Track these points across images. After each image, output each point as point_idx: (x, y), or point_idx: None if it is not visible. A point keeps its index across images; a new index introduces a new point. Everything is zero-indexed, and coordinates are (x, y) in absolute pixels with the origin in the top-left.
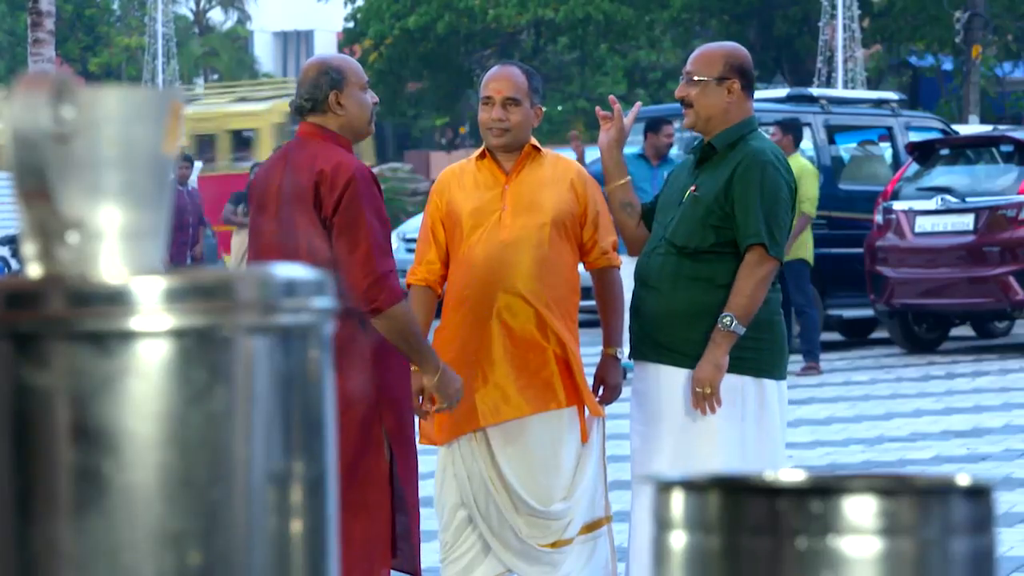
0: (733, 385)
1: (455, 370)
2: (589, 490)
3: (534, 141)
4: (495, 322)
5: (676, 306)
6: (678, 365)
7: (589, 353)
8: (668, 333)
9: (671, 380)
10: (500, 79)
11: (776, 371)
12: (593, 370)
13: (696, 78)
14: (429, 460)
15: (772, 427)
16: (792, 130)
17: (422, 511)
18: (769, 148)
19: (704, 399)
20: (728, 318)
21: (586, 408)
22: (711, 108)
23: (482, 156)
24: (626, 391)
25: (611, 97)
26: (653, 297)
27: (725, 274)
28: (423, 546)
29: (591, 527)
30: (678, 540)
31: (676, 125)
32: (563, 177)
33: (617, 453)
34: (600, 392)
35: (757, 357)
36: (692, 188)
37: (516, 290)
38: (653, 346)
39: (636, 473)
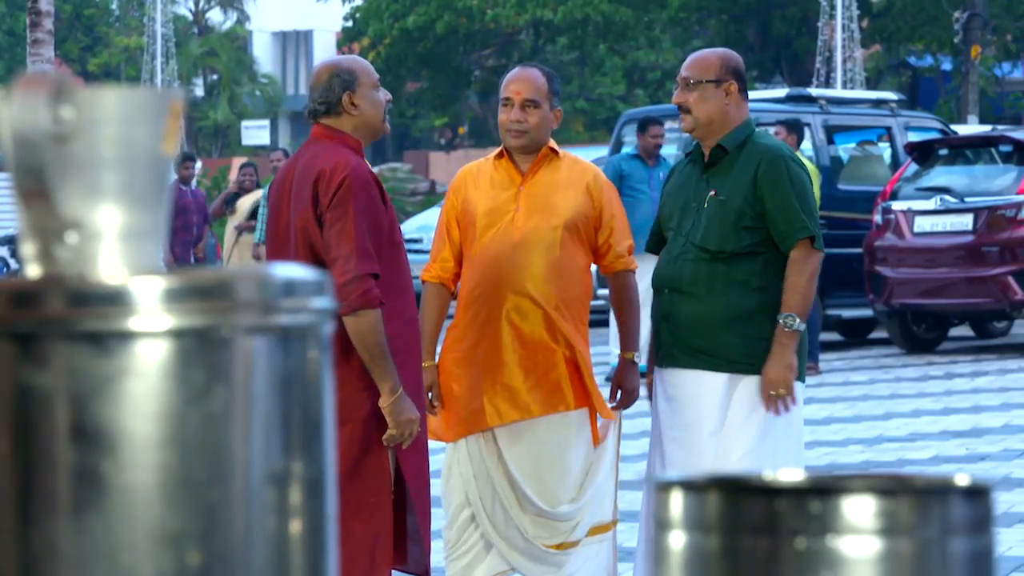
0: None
1: (464, 369)
2: (600, 493)
3: (552, 143)
4: (504, 323)
5: (714, 311)
6: (716, 370)
7: (596, 353)
8: (706, 338)
9: (710, 385)
10: (520, 81)
11: (802, 372)
12: (601, 371)
13: (693, 81)
14: (437, 459)
15: (798, 427)
16: (797, 129)
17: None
18: (780, 144)
19: (778, 399)
20: (790, 318)
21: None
22: (711, 111)
23: (500, 156)
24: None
25: None
26: (688, 303)
27: (758, 276)
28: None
29: (598, 529)
30: (677, 540)
31: (668, 125)
32: (579, 180)
33: (622, 453)
34: (618, 396)
35: None
36: (712, 192)
37: (526, 291)
38: (688, 351)
39: None
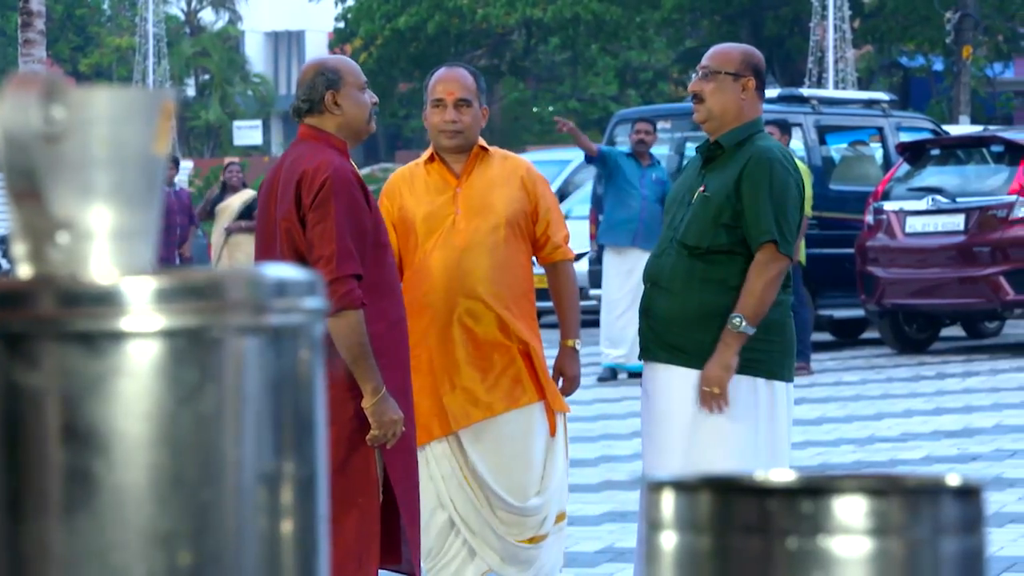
0: (746, 386)
1: (420, 376)
2: (560, 483)
3: (482, 141)
4: (457, 327)
5: (688, 307)
6: (690, 366)
7: (586, 354)
8: (680, 334)
9: (683, 381)
10: (450, 81)
11: (786, 372)
12: (594, 371)
13: (711, 71)
14: None
15: (781, 428)
16: (787, 130)
17: None
18: (777, 147)
19: (712, 399)
20: (738, 319)
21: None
22: (724, 104)
23: (431, 160)
24: (624, 392)
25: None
26: (664, 298)
27: (737, 275)
28: None
29: (560, 517)
30: (668, 540)
31: (660, 125)
32: (513, 175)
33: (608, 453)
34: (560, 384)
35: (769, 359)
36: (701, 188)
37: (476, 295)
38: (664, 347)
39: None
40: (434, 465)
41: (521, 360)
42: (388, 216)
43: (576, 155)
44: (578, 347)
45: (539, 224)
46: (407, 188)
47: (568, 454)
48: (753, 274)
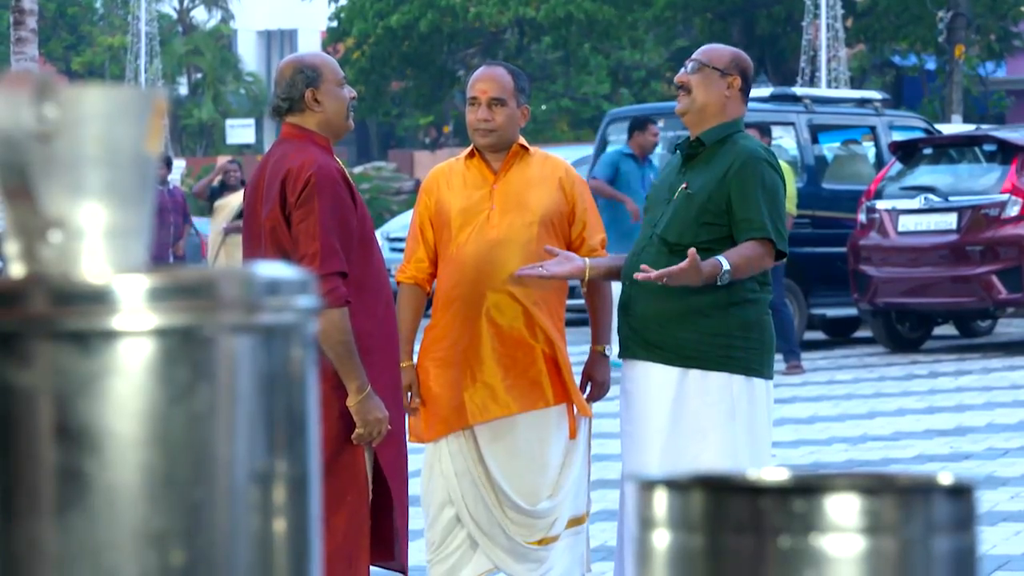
0: (723, 384)
1: (443, 369)
2: (575, 487)
3: (522, 140)
4: (484, 321)
5: (667, 304)
6: (668, 364)
7: (575, 352)
8: (659, 332)
9: (661, 379)
10: (486, 80)
11: (765, 370)
12: (580, 368)
13: (701, 64)
14: (416, 459)
15: (760, 426)
16: (767, 132)
17: (410, 509)
18: (760, 146)
19: (652, 276)
20: (726, 262)
21: (574, 406)
22: (709, 97)
23: (471, 155)
24: (615, 390)
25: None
26: (644, 295)
27: None
28: (412, 544)
29: (574, 522)
30: (661, 539)
31: (661, 124)
32: (551, 176)
33: (601, 452)
34: (588, 389)
35: (747, 356)
36: (683, 185)
37: (504, 289)
38: (643, 344)
39: (626, 472)
40: (447, 461)
41: (543, 363)
42: (426, 211)
43: (571, 154)
44: (608, 353)
45: (575, 226)
46: (444, 183)
47: (589, 457)
48: (749, 247)
